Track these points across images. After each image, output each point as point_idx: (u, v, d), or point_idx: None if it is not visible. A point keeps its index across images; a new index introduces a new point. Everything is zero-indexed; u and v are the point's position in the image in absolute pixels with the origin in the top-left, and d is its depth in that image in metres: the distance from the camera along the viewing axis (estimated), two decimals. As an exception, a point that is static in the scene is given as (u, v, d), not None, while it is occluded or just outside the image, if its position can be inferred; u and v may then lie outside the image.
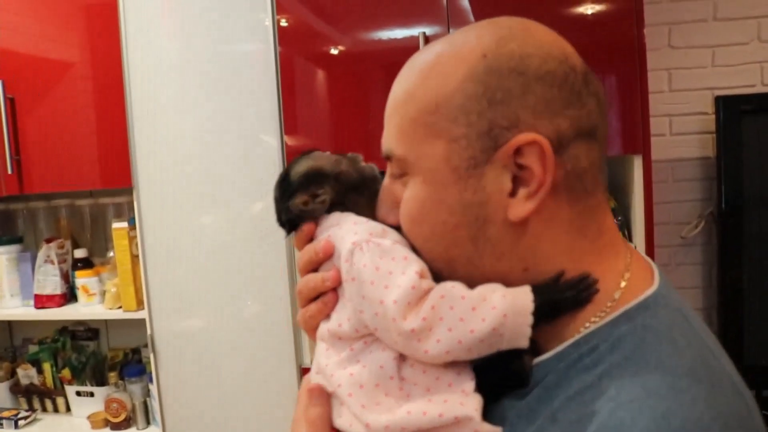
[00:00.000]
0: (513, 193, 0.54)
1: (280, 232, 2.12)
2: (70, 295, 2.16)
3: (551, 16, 1.70)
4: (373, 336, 0.57)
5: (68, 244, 2.19)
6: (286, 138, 1.84)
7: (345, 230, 0.60)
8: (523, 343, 0.53)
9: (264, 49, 1.84)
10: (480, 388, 0.57)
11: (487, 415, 0.55)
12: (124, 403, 2.06)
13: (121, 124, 1.90)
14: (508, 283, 0.56)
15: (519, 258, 0.56)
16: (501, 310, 0.52)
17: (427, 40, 1.73)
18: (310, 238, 0.64)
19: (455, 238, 0.56)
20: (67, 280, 2.15)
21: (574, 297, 0.55)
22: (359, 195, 0.64)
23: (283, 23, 1.82)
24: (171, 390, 1.97)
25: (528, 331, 0.52)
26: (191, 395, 1.96)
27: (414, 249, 0.59)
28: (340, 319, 0.59)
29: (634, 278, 0.57)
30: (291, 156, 1.84)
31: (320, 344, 0.62)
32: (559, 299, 0.54)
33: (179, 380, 1.96)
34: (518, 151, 0.53)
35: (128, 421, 2.08)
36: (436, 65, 0.56)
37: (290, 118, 1.83)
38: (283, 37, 1.82)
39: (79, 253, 2.13)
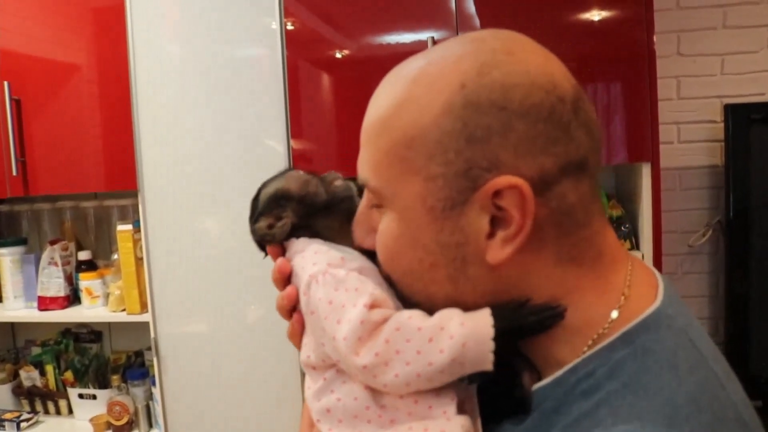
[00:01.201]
0: (492, 234, 0.51)
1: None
2: (73, 298, 2.15)
3: (560, 22, 1.69)
4: None
5: (72, 246, 2.18)
6: (292, 142, 1.83)
7: (306, 259, 0.60)
8: (487, 367, 0.51)
9: (271, 54, 1.83)
10: (481, 412, 0.56)
11: None
12: (126, 406, 2.05)
13: (127, 127, 1.90)
14: None
15: (503, 292, 0.54)
16: (459, 339, 0.50)
17: (436, 44, 1.72)
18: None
19: (433, 277, 0.54)
20: (71, 282, 2.14)
21: (536, 323, 0.52)
22: (327, 217, 0.63)
23: (291, 27, 1.81)
24: (174, 393, 1.96)
25: (490, 357, 0.50)
26: (194, 399, 1.95)
27: (390, 280, 0.58)
28: (308, 350, 0.59)
29: (635, 294, 0.54)
30: (297, 160, 1.83)
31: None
32: (521, 324, 0.52)
33: (182, 384, 1.95)
34: (497, 194, 0.50)
35: (131, 425, 2.07)
36: (411, 93, 0.53)
37: (297, 123, 1.83)
38: (290, 41, 1.82)
39: (83, 255, 2.12)
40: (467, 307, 0.53)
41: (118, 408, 2.05)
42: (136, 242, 1.94)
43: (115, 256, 2.07)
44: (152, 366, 2.00)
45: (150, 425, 2.10)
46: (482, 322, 0.51)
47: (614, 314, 0.53)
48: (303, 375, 1.92)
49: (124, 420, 2.06)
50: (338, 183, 0.65)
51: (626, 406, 0.47)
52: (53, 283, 2.09)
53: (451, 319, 0.52)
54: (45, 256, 2.09)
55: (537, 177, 0.49)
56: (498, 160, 0.49)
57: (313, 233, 0.63)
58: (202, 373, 1.94)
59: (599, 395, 0.49)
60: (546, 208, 0.51)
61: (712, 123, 2.10)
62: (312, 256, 0.59)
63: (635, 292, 0.54)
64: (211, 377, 1.93)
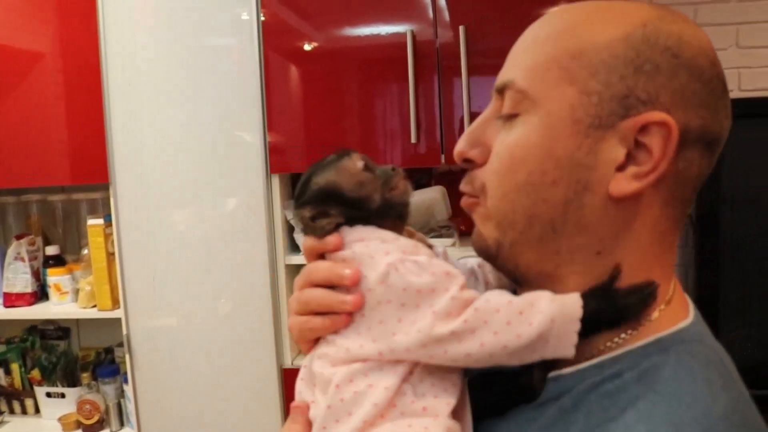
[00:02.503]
0: (622, 168, 0.52)
1: (260, 229, 2.07)
2: (41, 294, 2.09)
3: (538, 14, 1.70)
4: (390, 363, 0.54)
5: (39, 240, 2.12)
6: (268, 135, 1.80)
7: (373, 249, 0.56)
8: (569, 352, 0.50)
9: (245, 45, 1.80)
10: (484, 401, 0.55)
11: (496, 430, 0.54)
12: (97, 404, 2.01)
13: (98, 118, 1.85)
14: (576, 261, 0.54)
15: (599, 238, 0.54)
16: (548, 314, 0.50)
17: (415, 37, 1.72)
18: (320, 255, 0.60)
19: (548, 195, 0.53)
20: (38, 277, 2.08)
21: (635, 304, 0.52)
22: (376, 220, 0.59)
23: (264, 18, 1.79)
24: (147, 390, 1.92)
25: (574, 339, 0.50)
26: (168, 396, 1.91)
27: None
28: (362, 340, 0.55)
29: (675, 305, 0.54)
30: (273, 154, 1.81)
31: (319, 353, 0.58)
32: (616, 306, 0.52)
33: (156, 380, 1.92)
34: (643, 129, 0.51)
35: (101, 423, 2.02)
36: (590, 17, 0.54)
37: (273, 115, 1.80)
38: (266, 32, 1.79)
39: (51, 250, 2.06)
40: (560, 240, 0.54)
41: (88, 406, 2.00)
42: (108, 237, 1.90)
43: (85, 251, 2.02)
44: (123, 363, 1.96)
45: (122, 423, 2.05)
46: (571, 301, 0.51)
47: (655, 314, 0.53)
48: (280, 369, 1.90)
49: (95, 419, 2.01)
50: (399, 188, 0.61)
51: (660, 414, 0.46)
52: (20, 279, 2.03)
53: (540, 297, 0.51)
54: (11, 251, 2.03)
55: (682, 129, 0.51)
56: (656, 98, 0.51)
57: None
58: (175, 369, 1.90)
59: (626, 398, 0.48)
60: (674, 166, 0.52)
61: (682, 118, 2.14)
62: (381, 246, 0.57)
63: (675, 304, 0.54)
64: (185, 373, 1.90)
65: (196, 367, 1.90)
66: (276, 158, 1.82)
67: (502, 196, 0.55)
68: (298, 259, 1.87)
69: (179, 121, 1.85)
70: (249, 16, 1.80)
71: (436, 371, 0.54)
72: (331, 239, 0.58)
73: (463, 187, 0.60)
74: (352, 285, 0.55)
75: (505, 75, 0.57)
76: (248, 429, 1.89)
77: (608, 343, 0.52)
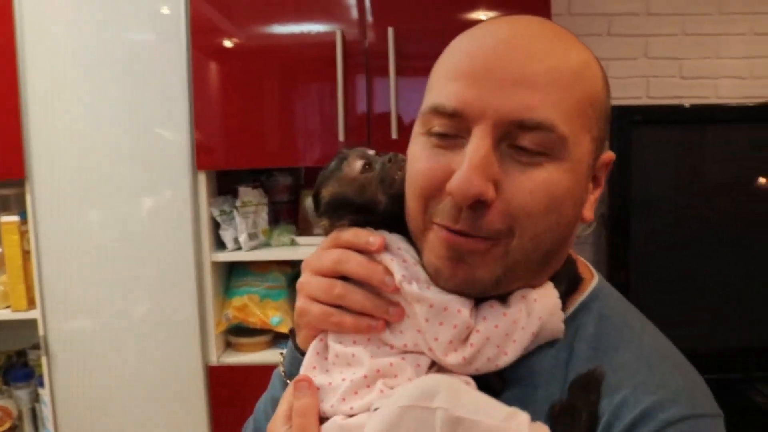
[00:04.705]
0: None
1: (186, 226, 2.03)
2: (-52, 295, 1.98)
3: (458, 22, 1.76)
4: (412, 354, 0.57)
5: (-53, 239, 2.01)
6: (195, 132, 1.78)
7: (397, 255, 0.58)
8: (559, 334, 0.57)
9: (168, 40, 1.78)
10: None
11: None
12: (9, 410, 1.92)
13: (14, 112, 1.77)
14: (528, 270, 0.56)
15: (559, 258, 0.59)
16: (536, 316, 0.56)
17: (344, 36, 1.74)
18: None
19: (566, 233, 0.57)
20: (-55, 278, 1.97)
21: (579, 274, 0.62)
22: (398, 218, 0.59)
23: (192, 15, 1.77)
24: (65, 394, 1.85)
25: (562, 326, 0.57)
26: (88, 399, 1.85)
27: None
28: (405, 340, 0.57)
29: (581, 273, 0.63)
30: (200, 150, 1.79)
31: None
32: (575, 280, 0.60)
33: (74, 383, 1.85)
34: (602, 165, 0.59)
35: (14, 430, 1.94)
36: (587, 59, 0.56)
37: (200, 112, 1.78)
38: (194, 29, 1.77)
39: (-40, 249, 1.96)
40: (545, 267, 0.58)
41: (-1, 412, 1.92)
42: (23, 234, 1.83)
43: (-1, 250, 1.94)
44: (38, 366, 1.89)
45: (36, 429, 1.97)
46: (551, 295, 0.57)
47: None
48: (206, 367, 1.86)
49: (7, 425, 1.92)
50: (399, 180, 0.59)
51: (603, 363, 0.55)
52: (-76, 279, 1.92)
53: (525, 298, 0.57)
54: None
55: None
56: (605, 138, 0.58)
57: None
58: (96, 370, 1.85)
59: (568, 357, 0.57)
60: None
61: (596, 123, 2.25)
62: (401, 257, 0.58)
63: (581, 271, 0.63)
64: (106, 375, 1.85)
65: (119, 368, 1.85)
66: (203, 155, 1.80)
67: (534, 237, 0.54)
68: (224, 256, 1.86)
69: (98, 117, 1.80)
70: (170, 11, 1.77)
71: None
72: (375, 240, 0.57)
73: (477, 231, 0.53)
74: (377, 251, 0.57)
75: (538, 112, 0.51)
76: (174, 429, 1.85)
77: None
